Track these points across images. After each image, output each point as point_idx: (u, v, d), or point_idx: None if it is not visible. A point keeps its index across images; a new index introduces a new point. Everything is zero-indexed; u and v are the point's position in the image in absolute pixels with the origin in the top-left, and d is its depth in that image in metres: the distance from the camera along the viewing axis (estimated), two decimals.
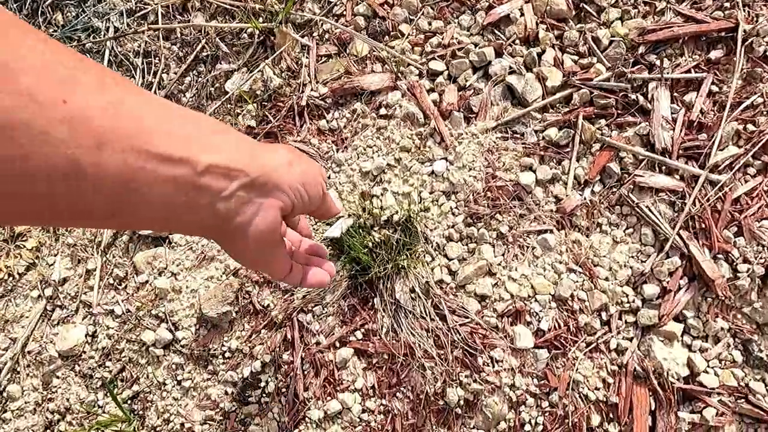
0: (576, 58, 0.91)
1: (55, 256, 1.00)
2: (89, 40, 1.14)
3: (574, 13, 0.93)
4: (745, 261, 0.76)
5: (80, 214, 0.27)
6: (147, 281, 0.95)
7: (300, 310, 0.87)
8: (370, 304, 0.86)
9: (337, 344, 0.85)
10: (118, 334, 0.94)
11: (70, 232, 1.02)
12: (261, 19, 1.07)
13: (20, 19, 0.25)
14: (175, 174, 0.28)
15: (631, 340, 0.79)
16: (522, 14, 0.95)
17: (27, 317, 0.97)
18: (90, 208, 0.26)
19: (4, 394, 0.92)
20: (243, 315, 0.90)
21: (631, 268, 0.81)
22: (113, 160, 0.26)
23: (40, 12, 1.17)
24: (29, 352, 0.94)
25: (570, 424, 0.77)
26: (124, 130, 0.26)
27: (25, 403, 0.92)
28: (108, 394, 0.90)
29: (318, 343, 0.86)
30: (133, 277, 0.97)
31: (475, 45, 0.95)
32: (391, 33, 1.01)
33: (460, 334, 0.80)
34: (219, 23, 1.09)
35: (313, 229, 0.91)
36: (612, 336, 0.79)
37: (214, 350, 0.89)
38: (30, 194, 0.24)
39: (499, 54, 0.93)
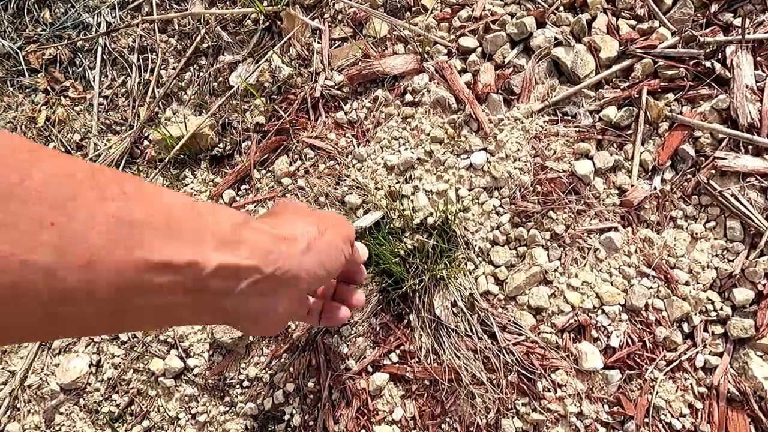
0: (634, 23, 0.78)
1: None
2: (80, 38, 1.04)
3: None
4: None
5: (79, 330, 0.26)
6: None
7: (325, 331, 0.76)
8: (406, 321, 0.74)
9: (370, 369, 0.74)
10: (124, 363, 0.84)
11: None
12: (265, 3, 0.95)
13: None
14: (177, 280, 0.26)
15: (721, 355, 0.66)
16: None
17: (26, 347, 0.88)
18: (88, 325, 0.25)
19: None
20: (261, 339, 0.79)
21: (716, 269, 0.68)
22: (105, 278, 0.23)
23: (26, 10, 1.08)
24: (29, 386, 0.85)
25: None
26: (122, 242, 0.24)
27: None
28: (117, 430, 0.80)
29: (348, 369, 0.74)
30: None
31: (512, 15, 0.82)
32: (413, 8, 0.89)
33: (514, 355, 0.68)
34: (219, 10, 0.98)
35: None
36: (697, 351, 0.66)
37: (231, 379, 0.79)
38: (20, 320, 0.23)
39: (541, 24, 0.80)
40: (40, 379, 0.85)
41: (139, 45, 1.02)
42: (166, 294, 0.26)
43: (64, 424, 0.83)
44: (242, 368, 0.79)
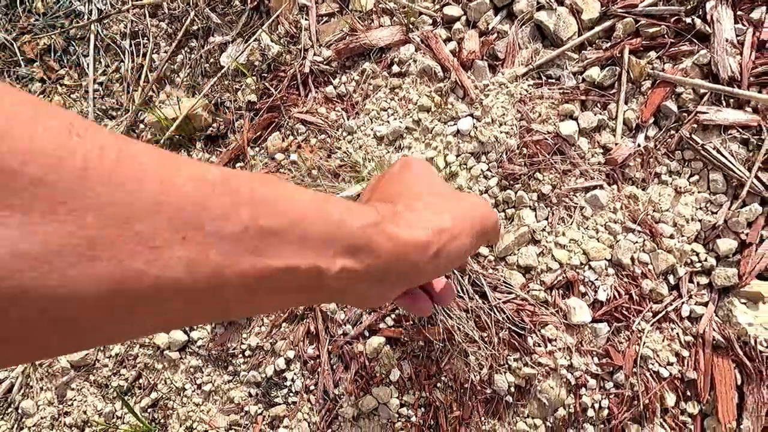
0: None
1: None
2: (73, 26, 1.05)
3: None
4: None
5: (176, 325, 0.25)
6: None
7: None
8: None
9: (367, 333, 0.76)
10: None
11: None
12: None
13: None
14: (297, 281, 0.27)
15: (706, 305, 0.68)
16: None
17: None
18: (191, 319, 0.25)
19: (19, 411, 0.87)
20: None
21: (699, 221, 0.69)
22: (228, 284, 0.23)
23: (19, 1, 1.09)
24: (40, 365, 0.88)
25: (641, 407, 0.66)
26: (250, 251, 0.24)
27: (41, 418, 0.86)
28: (124, 405, 0.83)
29: (345, 334, 0.77)
30: None
31: None
32: None
33: (504, 313, 0.70)
34: None
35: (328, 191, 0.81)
36: (683, 302, 0.68)
37: (233, 349, 0.81)
38: (134, 325, 0.22)
39: None
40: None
41: (131, 30, 1.03)
42: (282, 292, 0.27)
43: (75, 399, 0.86)
44: (244, 338, 0.81)
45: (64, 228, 0.18)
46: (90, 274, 0.18)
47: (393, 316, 0.76)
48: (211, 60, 0.98)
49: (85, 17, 1.06)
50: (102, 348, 0.88)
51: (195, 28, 1.00)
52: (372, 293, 0.32)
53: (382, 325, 0.76)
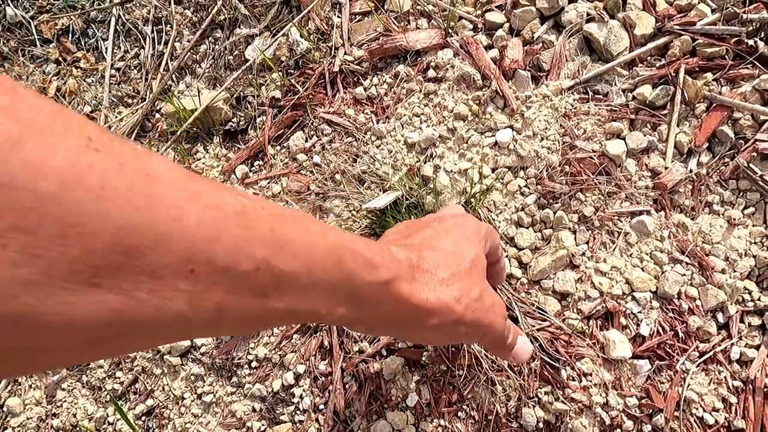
0: None
1: None
2: (93, 8, 1.01)
3: None
4: None
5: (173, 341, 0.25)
6: None
7: None
8: None
9: (384, 352, 0.71)
10: None
11: None
12: None
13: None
14: (294, 319, 0.28)
15: (758, 348, 0.62)
16: None
17: None
18: (186, 336, 0.25)
19: (5, 409, 0.81)
20: None
21: (754, 257, 0.64)
22: (228, 318, 0.24)
23: None
24: None
25: None
26: (256, 291, 0.25)
27: (27, 419, 0.80)
28: (117, 411, 0.77)
29: (361, 351, 0.71)
30: None
31: None
32: None
33: (537, 341, 0.65)
34: None
35: (353, 197, 0.76)
36: (733, 343, 0.63)
37: (239, 359, 0.76)
38: (128, 345, 0.22)
39: None
40: None
41: (154, 17, 0.99)
42: (277, 324, 0.27)
43: (65, 401, 0.81)
44: (251, 348, 0.76)
45: (71, 253, 0.16)
46: (90, 301, 0.17)
47: None
48: (236, 52, 0.93)
49: (107, 0, 1.02)
50: None
51: (221, 18, 0.96)
52: (371, 332, 0.34)
53: (401, 345, 0.71)
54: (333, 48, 0.87)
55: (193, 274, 0.20)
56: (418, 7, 0.85)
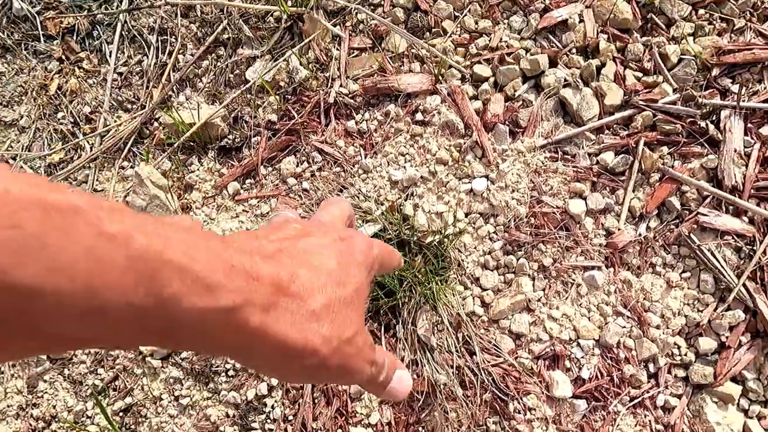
0: (640, 74, 0.82)
1: None
2: (101, 11, 1.04)
3: (640, 23, 0.84)
4: None
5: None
6: None
7: None
8: (392, 332, 0.78)
9: None
10: None
11: None
12: (290, 3, 0.97)
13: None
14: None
15: (680, 397, 0.71)
16: (581, 20, 0.85)
17: None
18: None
19: None
20: None
21: (685, 317, 0.73)
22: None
23: None
24: None
25: None
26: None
27: (8, 406, 0.84)
28: (97, 405, 0.82)
29: None
30: None
31: (527, 51, 0.86)
32: (433, 29, 0.92)
33: (490, 375, 0.73)
34: (243, 3, 0.99)
35: None
36: (659, 391, 0.71)
37: (217, 367, 0.81)
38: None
39: (553, 63, 0.84)
40: None
41: (160, 26, 1.03)
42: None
43: (46, 392, 0.85)
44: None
45: None
46: None
47: None
48: (237, 72, 0.98)
49: (115, 5, 1.05)
50: None
51: (225, 36, 1.00)
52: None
53: None
54: (330, 79, 0.93)
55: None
56: (413, 50, 0.91)
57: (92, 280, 0.18)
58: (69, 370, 0.86)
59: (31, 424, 0.84)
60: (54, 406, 0.84)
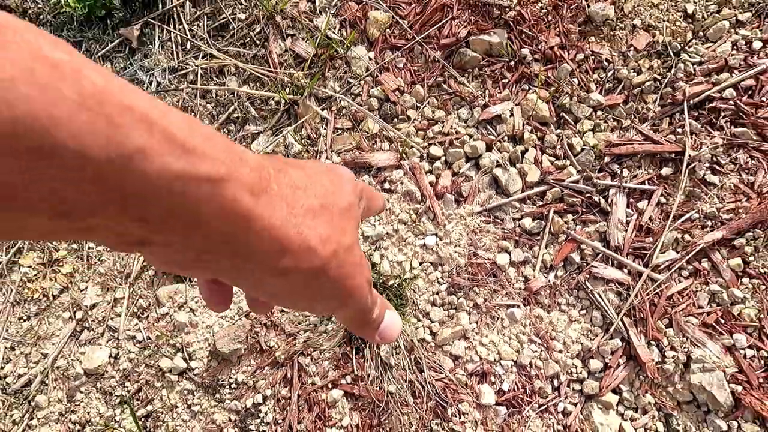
0: (553, 159, 1.08)
1: (87, 282, 1.14)
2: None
3: (555, 119, 1.11)
4: (672, 349, 0.93)
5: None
6: (167, 313, 1.09)
7: (300, 353, 1.02)
8: (361, 354, 1.01)
9: (330, 386, 1.00)
10: (138, 359, 1.07)
11: (102, 261, 1.16)
12: (288, 90, 1.23)
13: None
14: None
15: (575, 405, 0.95)
16: (512, 115, 1.12)
17: (58, 335, 1.10)
18: None
19: (33, 403, 1.05)
20: (251, 352, 1.04)
21: (581, 344, 0.97)
22: None
23: (92, 59, 1.32)
24: (58, 368, 1.07)
25: None
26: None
27: (50, 412, 1.04)
28: (124, 411, 1.03)
29: (313, 383, 1.00)
30: (155, 308, 1.10)
31: (470, 137, 1.12)
32: (400, 116, 1.18)
33: (434, 387, 0.95)
34: (250, 89, 1.25)
35: None
36: (560, 400, 0.95)
37: (223, 381, 1.03)
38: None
39: (489, 148, 1.10)
40: (68, 362, 1.08)
41: (182, 105, 1.28)
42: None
43: (82, 401, 1.05)
44: (233, 373, 1.03)
45: None
46: None
47: (352, 375, 1.00)
48: (244, 144, 1.23)
49: (145, 86, 1.30)
50: (113, 362, 1.08)
51: (235, 115, 1.25)
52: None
53: (343, 382, 1.00)
54: (318, 152, 1.18)
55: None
56: (384, 132, 1.17)
57: (36, 111, 0.14)
58: (101, 383, 1.07)
59: (69, 427, 1.04)
60: (88, 413, 1.04)
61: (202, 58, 1.29)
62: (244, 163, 0.20)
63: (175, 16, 1.35)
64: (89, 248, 1.18)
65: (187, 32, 1.33)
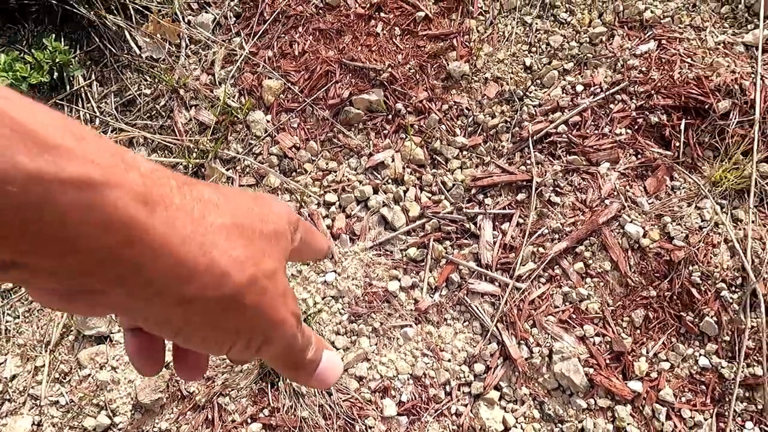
0: (430, 195, 1.26)
1: (6, 355, 1.18)
2: None
3: (429, 161, 1.30)
4: (537, 345, 1.10)
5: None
6: (89, 374, 1.15)
7: (219, 393, 1.11)
8: (276, 387, 1.11)
9: (249, 420, 1.09)
10: (62, 422, 1.12)
11: (20, 333, 1.20)
12: (194, 155, 1.35)
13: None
14: None
15: (466, 405, 1.09)
16: (393, 160, 1.30)
17: None
18: None
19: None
20: (172, 400, 1.12)
21: (466, 351, 1.13)
22: None
23: None
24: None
25: None
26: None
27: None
28: None
29: (233, 420, 1.09)
30: (77, 371, 1.16)
31: (360, 182, 1.29)
32: (298, 170, 1.33)
33: (342, 408, 1.07)
34: (159, 157, 1.36)
35: None
36: (453, 403, 1.09)
37: (147, 430, 1.09)
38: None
39: (375, 191, 1.27)
40: None
41: None
42: None
43: None
44: (156, 422, 1.10)
45: None
46: None
47: (269, 408, 1.10)
48: None
49: None
50: (35, 430, 1.12)
51: None
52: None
53: (261, 415, 1.09)
54: None
55: None
56: (284, 185, 1.32)
57: None
58: None
59: None
60: None
61: (111, 132, 1.40)
62: (131, 168, 0.17)
63: (83, 95, 1.46)
64: (7, 322, 1.22)
65: (96, 110, 1.43)
